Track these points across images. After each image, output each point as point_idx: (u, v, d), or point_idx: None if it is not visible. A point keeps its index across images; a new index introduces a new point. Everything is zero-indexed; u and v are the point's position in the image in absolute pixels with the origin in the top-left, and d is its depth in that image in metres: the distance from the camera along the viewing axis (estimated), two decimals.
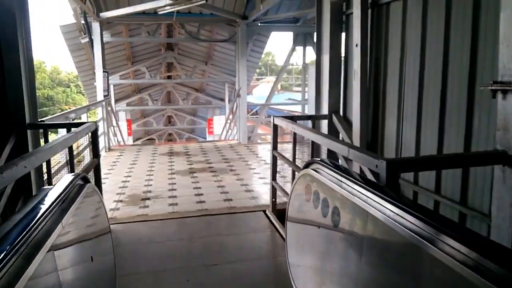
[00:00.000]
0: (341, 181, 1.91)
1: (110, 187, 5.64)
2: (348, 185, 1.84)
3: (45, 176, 3.37)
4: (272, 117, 4.23)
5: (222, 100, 14.12)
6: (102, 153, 8.33)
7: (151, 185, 5.69)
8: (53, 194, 1.67)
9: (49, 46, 69.96)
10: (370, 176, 2.99)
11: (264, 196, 5.05)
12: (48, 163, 3.31)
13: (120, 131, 10.76)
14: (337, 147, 2.42)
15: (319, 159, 2.30)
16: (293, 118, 4.19)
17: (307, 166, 2.39)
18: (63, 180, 1.94)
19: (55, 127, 4.02)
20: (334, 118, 4.16)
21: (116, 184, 5.76)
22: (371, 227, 1.65)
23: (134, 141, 16.08)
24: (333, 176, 1.96)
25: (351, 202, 1.76)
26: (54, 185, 1.94)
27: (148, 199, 5.02)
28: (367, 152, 2.13)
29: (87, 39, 8.26)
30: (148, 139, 18.55)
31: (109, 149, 8.65)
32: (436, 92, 2.80)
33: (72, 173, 2.06)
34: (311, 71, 9.21)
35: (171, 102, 15.77)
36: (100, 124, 8.46)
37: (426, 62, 2.95)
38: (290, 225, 2.55)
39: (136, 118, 15.98)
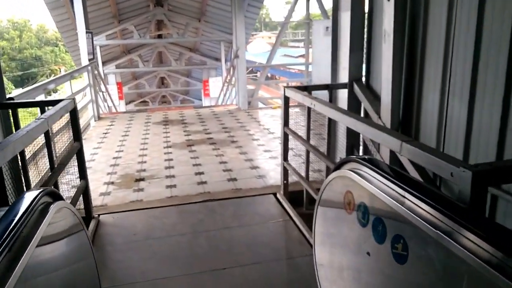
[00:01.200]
0: (404, 196, 1.38)
1: (100, 165, 5.09)
2: (419, 206, 1.31)
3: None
4: (283, 88, 3.62)
5: (218, 60, 13.27)
6: (91, 122, 7.71)
7: (145, 162, 5.15)
8: None
9: (34, 3, 66.35)
10: (411, 169, 2.46)
11: (272, 174, 4.54)
12: (22, 155, 2.74)
13: (110, 96, 10.06)
14: (386, 139, 1.86)
15: (361, 157, 1.75)
16: (307, 89, 3.59)
17: (342, 164, 1.85)
18: (18, 205, 1.39)
19: (26, 106, 3.39)
20: (356, 87, 3.56)
21: (106, 161, 5.21)
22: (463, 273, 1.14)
23: (126, 104, 15.38)
24: (393, 189, 1.42)
25: (425, 233, 1.24)
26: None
27: (143, 179, 4.50)
28: (436, 152, 1.57)
29: None
30: (141, 102, 17.82)
31: (99, 118, 8.02)
32: (501, 57, 2.20)
33: (34, 190, 1.50)
34: (316, 27, 8.42)
35: (163, 63, 14.88)
36: (87, 91, 7.78)
37: (485, 18, 2.32)
38: (320, 238, 2.04)
39: (127, 81, 15.14)
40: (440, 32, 2.69)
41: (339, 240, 1.84)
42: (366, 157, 1.79)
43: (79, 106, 7.33)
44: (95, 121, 7.82)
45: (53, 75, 47.96)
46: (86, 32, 7.71)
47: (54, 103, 3.14)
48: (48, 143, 2.90)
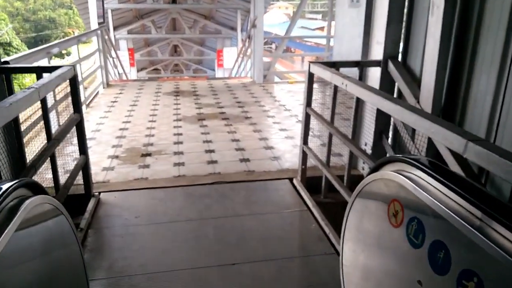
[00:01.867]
0: (482, 220, 1.03)
1: (105, 136, 4.81)
2: (504, 236, 0.96)
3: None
4: (308, 63, 3.21)
5: (234, 29, 12.71)
6: (100, 89, 7.40)
7: (153, 135, 4.84)
8: None
9: None
10: (453, 164, 2.09)
11: (287, 156, 4.20)
12: (17, 124, 2.43)
13: (120, 62, 9.70)
14: (446, 135, 1.49)
15: (411, 157, 1.38)
16: (335, 65, 3.19)
17: (383, 164, 1.50)
18: None
19: (21, 71, 3.07)
20: (391, 66, 3.13)
21: (113, 133, 4.92)
22: None
23: (138, 72, 15.02)
24: (463, 207, 1.07)
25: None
26: None
27: (149, 155, 4.20)
28: None
29: None
30: (153, 69, 17.44)
31: (108, 85, 7.70)
32: None
33: (7, 182, 1.18)
34: None
35: (176, 30, 14.34)
36: (97, 56, 7.42)
37: None
38: (352, 253, 1.71)
39: (139, 47, 14.71)
40: (503, 3, 2.25)
41: (378, 260, 1.51)
42: (418, 157, 1.43)
43: (87, 73, 7.05)
44: (103, 88, 7.51)
45: (66, 38, 47.54)
46: None
47: (52, 69, 2.81)
48: (45, 115, 2.60)
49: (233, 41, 12.76)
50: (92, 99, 6.72)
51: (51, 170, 2.68)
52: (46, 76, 2.70)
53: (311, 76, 3.22)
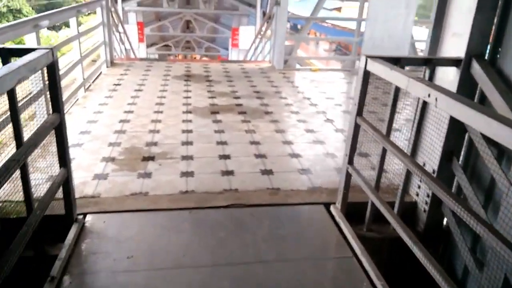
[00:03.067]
0: None
1: (102, 129, 4.09)
2: None
3: None
4: (363, 57, 2.41)
5: (252, 6, 11.74)
6: (102, 69, 6.64)
7: (158, 131, 4.11)
8: None
9: None
10: None
11: (318, 168, 3.44)
12: None
13: (128, 38, 8.89)
14: None
15: None
16: (399, 61, 2.38)
17: None
18: None
19: None
20: (476, 67, 2.32)
21: (111, 125, 4.20)
22: None
23: (147, 47, 14.19)
24: None
25: None
26: None
27: (152, 158, 3.48)
28: None
29: None
30: (163, 46, 16.59)
31: (112, 64, 6.93)
32: None
33: None
34: None
35: (190, 4, 13.38)
36: (100, 31, 6.63)
37: None
38: None
39: (149, 21, 13.83)
40: None
41: None
42: None
43: (90, 50, 6.26)
44: (107, 67, 6.75)
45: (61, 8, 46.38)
46: None
47: (23, 52, 2.06)
48: (14, 115, 1.89)
49: (250, 19, 11.82)
50: (94, 80, 5.98)
51: (21, 184, 1.99)
52: (14, 61, 1.97)
53: (366, 75, 2.43)
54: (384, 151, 2.57)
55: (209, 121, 4.48)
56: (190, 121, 4.45)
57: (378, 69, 2.31)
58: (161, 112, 4.69)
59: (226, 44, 15.76)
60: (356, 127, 2.57)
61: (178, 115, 4.61)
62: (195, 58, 19.77)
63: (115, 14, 7.70)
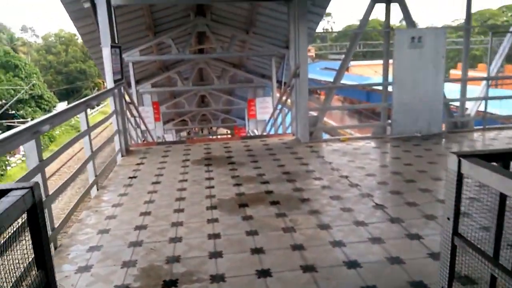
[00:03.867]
0: None
1: (115, 242, 3.46)
2: None
3: None
4: (452, 157, 1.78)
5: (265, 77, 11.63)
6: (118, 158, 6.22)
7: (180, 238, 3.46)
8: None
9: None
10: None
11: (388, 281, 2.68)
12: None
13: (143, 121, 8.63)
14: None
15: None
16: (503, 158, 1.74)
17: None
18: None
19: None
20: None
21: (125, 235, 3.58)
22: None
23: (164, 124, 14.09)
24: None
25: None
26: None
27: (175, 284, 2.78)
28: None
29: (89, 4, 5.97)
30: (180, 121, 16.57)
31: (127, 152, 6.52)
32: None
33: None
34: (399, 38, 6.53)
35: (204, 80, 13.45)
36: (113, 120, 6.31)
37: None
38: None
39: (164, 99, 13.86)
40: None
41: None
42: None
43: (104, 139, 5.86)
44: (122, 156, 6.33)
45: (96, 88, 48.80)
46: (112, 47, 6.25)
47: None
48: None
49: (266, 90, 11.63)
50: (108, 174, 5.51)
51: None
52: None
53: (460, 182, 1.78)
54: (493, 278, 1.84)
55: (238, 218, 3.83)
56: (216, 220, 3.81)
57: (479, 173, 1.67)
58: (182, 210, 4.08)
59: (242, 114, 15.63)
60: (453, 249, 1.86)
61: (202, 213, 3.98)
62: (211, 128, 19.69)
63: (130, 99, 7.48)
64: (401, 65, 6.63)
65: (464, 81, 7.13)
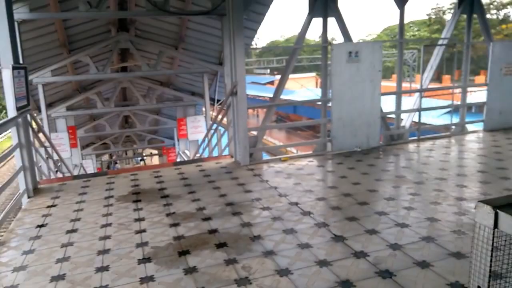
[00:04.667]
0: None
1: None
2: None
3: None
4: (483, 208, 1.33)
5: (195, 95, 10.97)
6: (23, 201, 5.12)
7: None
8: None
9: None
10: None
11: None
12: None
13: (56, 151, 7.44)
14: None
15: None
16: None
17: None
18: None
19: None
20: None
21: None
22: None
23: (82, 149, 12.71)
24: None
25: None
26: None
27: None
28: None
29: None
30: (101, 144, 15.16)
31: (35, 191, 5.42)
32: None
33: None
34: (337, 52, 6.35)
35: (127, 100, 12.38)
36: (17, 155, 5.22)
37: None
38: None
39: (82, 122, 12.49)
40: None
41: None
42: None
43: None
44: (28, 197, 5.22)
45: (4, 111, 43.67)
46: (14, 68, 5.17)
47: None
48: None
49: (197, 108, 10.96)
50: (8, 224, 4.41)
51: None
52: None
53: (492, 240, 1.33)
54: None
55: (179, 272, 3.12)
56: (152, 278, 3.06)
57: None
58: (107, 269, 3.25)
59: (170, 133, 14.71)
60: None
61: (132, 270, 3.20)
62: (137, 150, 18.33)
63: (37, 128, 6.34)
64: (339, 80, 6.45)
65: (399, 93, 7.19)
